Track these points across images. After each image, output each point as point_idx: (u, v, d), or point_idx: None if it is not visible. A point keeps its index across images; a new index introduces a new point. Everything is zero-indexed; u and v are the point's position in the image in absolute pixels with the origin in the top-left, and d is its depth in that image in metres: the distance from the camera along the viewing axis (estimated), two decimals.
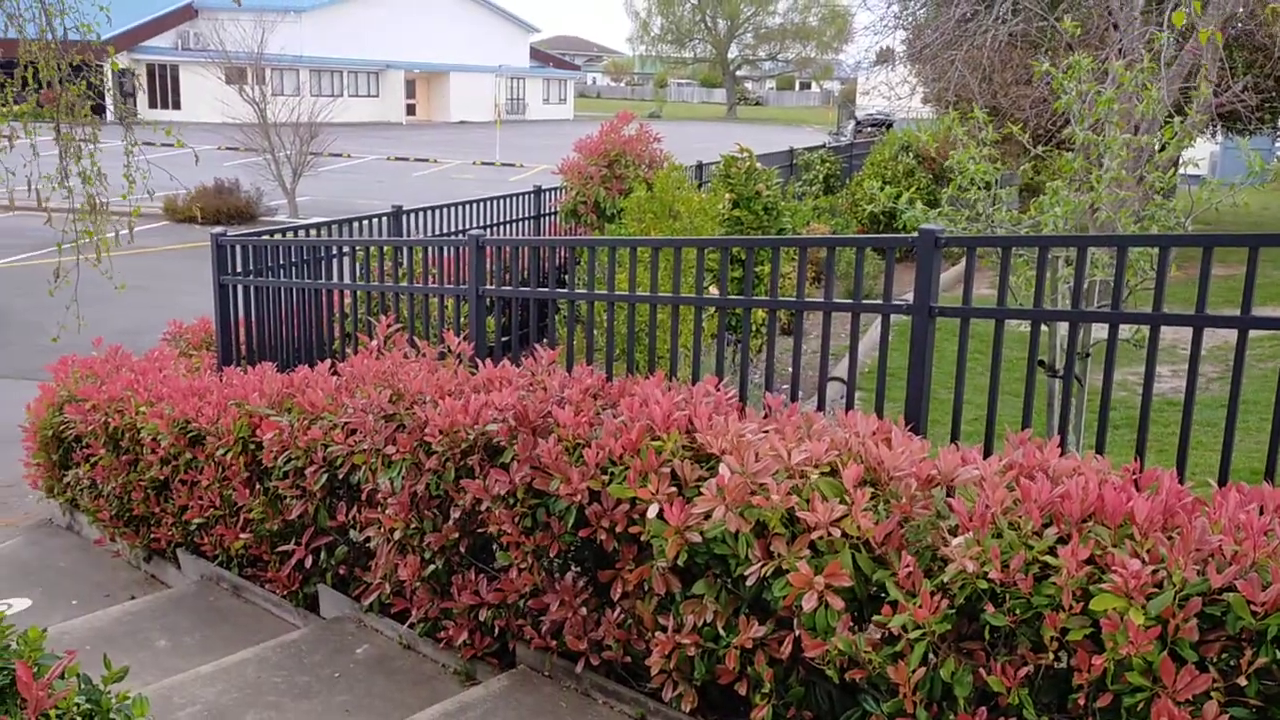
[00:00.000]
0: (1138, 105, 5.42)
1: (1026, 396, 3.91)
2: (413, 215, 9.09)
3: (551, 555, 4.03)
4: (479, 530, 4.33)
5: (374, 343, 5.29)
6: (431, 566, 4.44)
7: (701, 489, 3.56)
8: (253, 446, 5.36)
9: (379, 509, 4.67)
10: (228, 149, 35.30)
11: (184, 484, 5.69)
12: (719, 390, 4.20)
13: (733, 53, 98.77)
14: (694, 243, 5.03)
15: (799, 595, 3.22)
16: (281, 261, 6.96)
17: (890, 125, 45.54)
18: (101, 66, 6.65)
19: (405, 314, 6.20)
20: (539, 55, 74.91)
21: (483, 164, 38.32)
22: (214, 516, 5.54)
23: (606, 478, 3.84)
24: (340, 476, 4.89)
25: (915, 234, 3.99)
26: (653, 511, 3.60)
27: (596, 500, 3.85)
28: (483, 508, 4.15)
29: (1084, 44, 9.65)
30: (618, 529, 3.79)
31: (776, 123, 77.24)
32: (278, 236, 7.27)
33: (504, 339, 6.60)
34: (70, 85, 5.74)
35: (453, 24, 61.93)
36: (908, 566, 3.09)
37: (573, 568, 4.17)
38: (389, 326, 5.33)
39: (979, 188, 5.58)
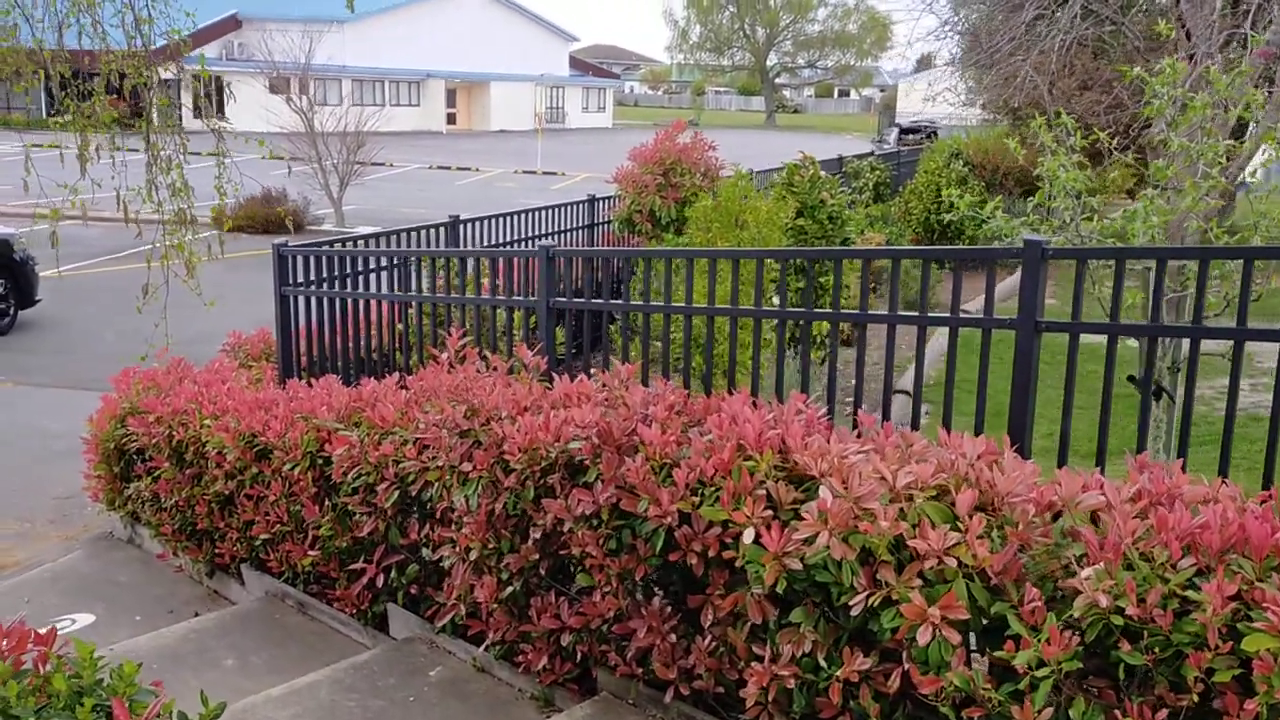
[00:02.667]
0: (1231, 110, 5.22)
1: (1143, 416, 3.72)
2: (470, 225, 9.00)
3: (637, 579, 3.88)
4: (559, 552, 4.20)
5: (444, 356, 5.17)
6: (510, 588, 4.31)
7: (802, 512, 3.41)
8: (320, 461, 5.26)
9: (454, 527, 4.55)
10: (275, 158, 35.75)
11: (249, 499, 5.60)
12: (809, 408, 4.04)
13: (771, 60, 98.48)
14: (776, 253, 4.88)
15: (912, 627, 3.05)
16: (345, 272, 6.86)
17: (935, 133, 45.34)
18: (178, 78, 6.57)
19: (470, 326, 6.10)
20: (578, 64, 75.04)
21: (524, 172, 38.37)
22: (281, 532, 5.44)
23: (697, 499, 3.69)
24: (412, 493, 4.77)
25: (1019, 245, 3.81)
26: (748, 536, 3.45)
27: (687, 523, 3.70)
28: (565, 528, 4.01)
29: (1154, 50, 9.41)
30: (710, 553, 3.63)
31: (816, 130, 76.80)
32: (340, 246, 7.18)
33: (572, 350, 6.48)
34: (159, 96, 5.67)
35: (493, 33, 62.12)
36: (1033, 599, 2.91)
37: (657, 592, 4.01)
38: (459, 339, 5.20)
39: (1069, 196, 5.38)
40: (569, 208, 10.85)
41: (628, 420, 4.03)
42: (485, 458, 4.34)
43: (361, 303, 6.59)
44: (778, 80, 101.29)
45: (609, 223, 11.19)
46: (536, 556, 4.20)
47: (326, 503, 5.19)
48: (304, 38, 25.36)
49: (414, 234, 8.17)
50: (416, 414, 4.92)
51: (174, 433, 5.96)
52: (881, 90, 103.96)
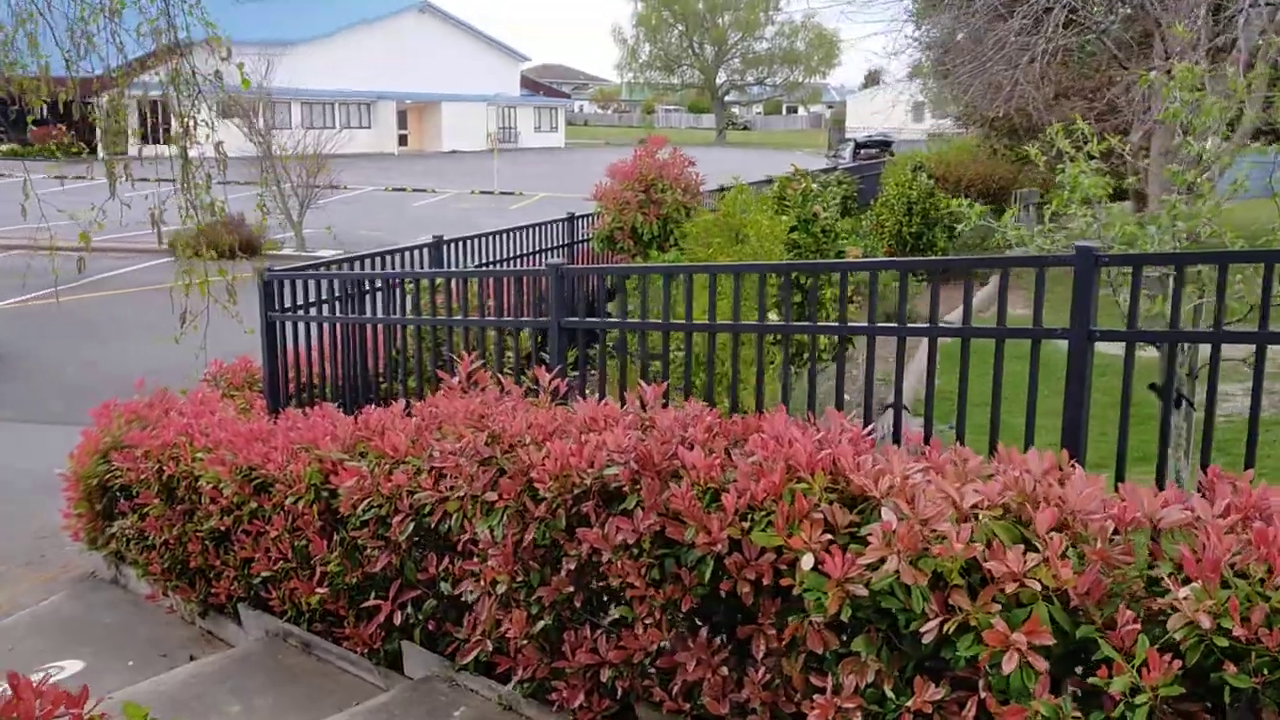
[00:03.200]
0: (1249, 113, 5.17)
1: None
2: (452, 245, 8.81)
3: (684, 609, 3.70)
4: (595, 583, 4.01)
5: (455, 379, 4.98)
6: (541, 622, 4.11)
7: (865, 536, 3.26)
8: (326, 494, 5.04)
9: (477, 560, 4.35)
10: (221, 183, 35.20)
11: (248, 535, 5.36)
12: (851, 425, 3.90)
13: (720, 78, 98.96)
14: (835, 266, 4.74)
15: (994, 655, 2.90)
16: (336, 295, 6.65)
17: (889, 146, 45.66)
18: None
19: (471, 348, 5.90)
20: (529, 84, 74.92)
21: (481, 193, 38.10)
22: (284, 569, 5.20)
23: (746, 525, 3.54)
24: (429, 525, 4.57)
25: (1071, 252, 3.70)
26: (807, 563, 3.29)
27: (737, 549, 3.53)
28: (603, 559, 3.83)
29: (1132, 57, 9.42)
30: (764, 580, 3.47)
31: (767, 147, 77.15)
32: (327, 270, 6.96)
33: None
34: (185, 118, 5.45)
35: (443, 54, 61.80)
36: (1126, 622, 2.78)
37: (699, 622, 3.84)
38: (471, 362, 5.00)
39: (1087, 204, 5.30)
40: (548, 226, 10.68)
41: (667, 444, 3.86)
42: (512, 486, 4.16)
43: (355, 327, 6.37)
44: (727, 98, 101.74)
45: (588, 240, 11.04)
46: (570, 589, 4.01)
47: (335, 537, 4.96)
48: (260, 61, 24.94)
49: (399, 255, 7.98)
50: (430, 442, 4.73)
51: (164, 468, 5.70)
52: (830, 106, 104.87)
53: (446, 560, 4.58)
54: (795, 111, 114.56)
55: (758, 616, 3.63)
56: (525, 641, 4.18)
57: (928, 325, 4.24)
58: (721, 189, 11.14)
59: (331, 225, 23.67)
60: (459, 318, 5.77)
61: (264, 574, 5.27)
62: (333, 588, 4.99)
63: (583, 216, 11.33)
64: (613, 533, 3.81)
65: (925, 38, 16.60)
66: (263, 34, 44.29)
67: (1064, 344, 3.85)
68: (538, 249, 10.37)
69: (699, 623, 3.81)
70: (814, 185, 8.91)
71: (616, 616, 3.93)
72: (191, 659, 5.63)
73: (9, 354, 13.24)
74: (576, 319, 5.27)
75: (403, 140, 62.65)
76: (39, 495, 8.23)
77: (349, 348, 6.42)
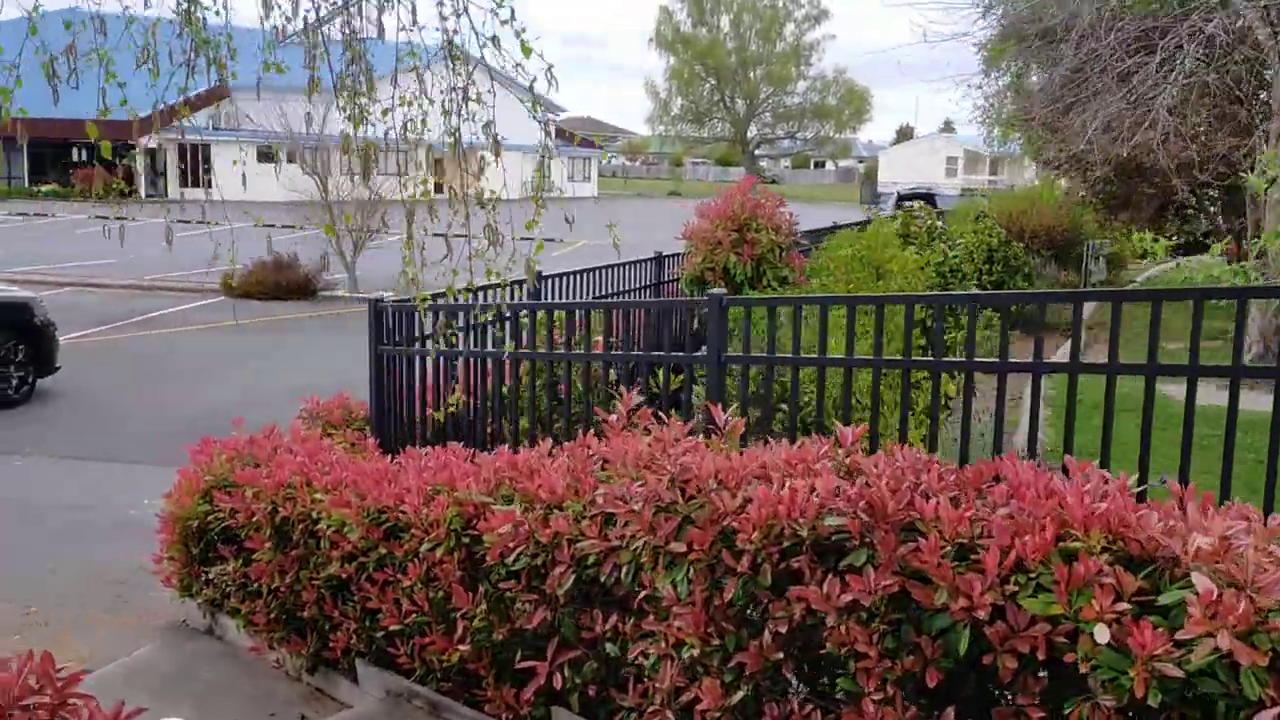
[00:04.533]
0: None
1: None
2: (549, 281, 8.44)
3: (929, 684, 3.22)
4: (808, 650, 3.55)
5: (614, 418, 4.55)
6: (739, 693, 3.64)
7: (1161, 605, 2.80)
8: (467, 540, 4.60)
9: (655, 619, 3.89)
10: (265, 225, 35.17)
11: (374, 584, 4.91)
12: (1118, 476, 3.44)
13: (751, 132, 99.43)
14: (1009, 298, 4.31)
15: None
16: (453, 328, 6.26)
17: (933, 198, 45.30)
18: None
19: (597, 384, 5.50)
20: (562, 134, 75.26)
21: (524, 239, 37.86)
22: (417, 623, 4.75)
23: (1010, 589, 3.08)
24: (591, 578, 4.12)
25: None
26: (1101, 635, 2.83)
27: (1000, 617, 3.07)
28: (824, 623, 3.36)
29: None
30: (1038, 654, 3.00)
31: (799, 199, 76.67)
32: (445, 301, 6.57)
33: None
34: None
35: (481, 103, 62.08)
36: None
37: (939, 700, 3.37)
38: (630, 401, 4.57)
39: None
40: (637, 265, 10.31)
41: (899, 492, 3.41)
42: (703, 537, 3.71)
43: (478, 361, 5.97)
44: (756, 151, 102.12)
45: (676, 280, 10.65)
46: (779, 655, 3.54)
47: (480, 589, 4.51)
48: (313, 105, 24.84)
49: (498, 291, 7.60)
50: (590, 485, 4.29)
51: (280, 509, 5.28)
52: (861, 161, 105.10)
53: (615, 618, 4.12)
54: (823, 166, 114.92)
55: (1015, 696, 3.16)
56: (719, 715, 3.70)
57: (1106, 363, 3.80)
58: (831, 228, 10.76)
59: (379, 268, 23.48)
60: (614, 352, 5.35)
61: (393, 627, 4.81)
62: (475, 645, 4.53)
63: (670, 256, 10.96)
64: (836, 593, 3.35)
65: (1009, 75, 16.24)
66: (289, 79, 44.50)
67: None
68: (627, 288, 10.01)
69: (940, 701, 3.33)
70: (938, 223, 8.51)
71: (838, 690, 3.46)
72: (302, 718, 5.17)
73: (66, 390, 12.91)
74: (741, 354, 4.84)
75: (437, 188, 62.80)
76: (114, 537, 7.86)
77: (471, 382, 6.01)
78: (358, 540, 4.91)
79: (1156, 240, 6.03)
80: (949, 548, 3.21)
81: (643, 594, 3.93)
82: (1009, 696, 3.21)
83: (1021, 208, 20.51)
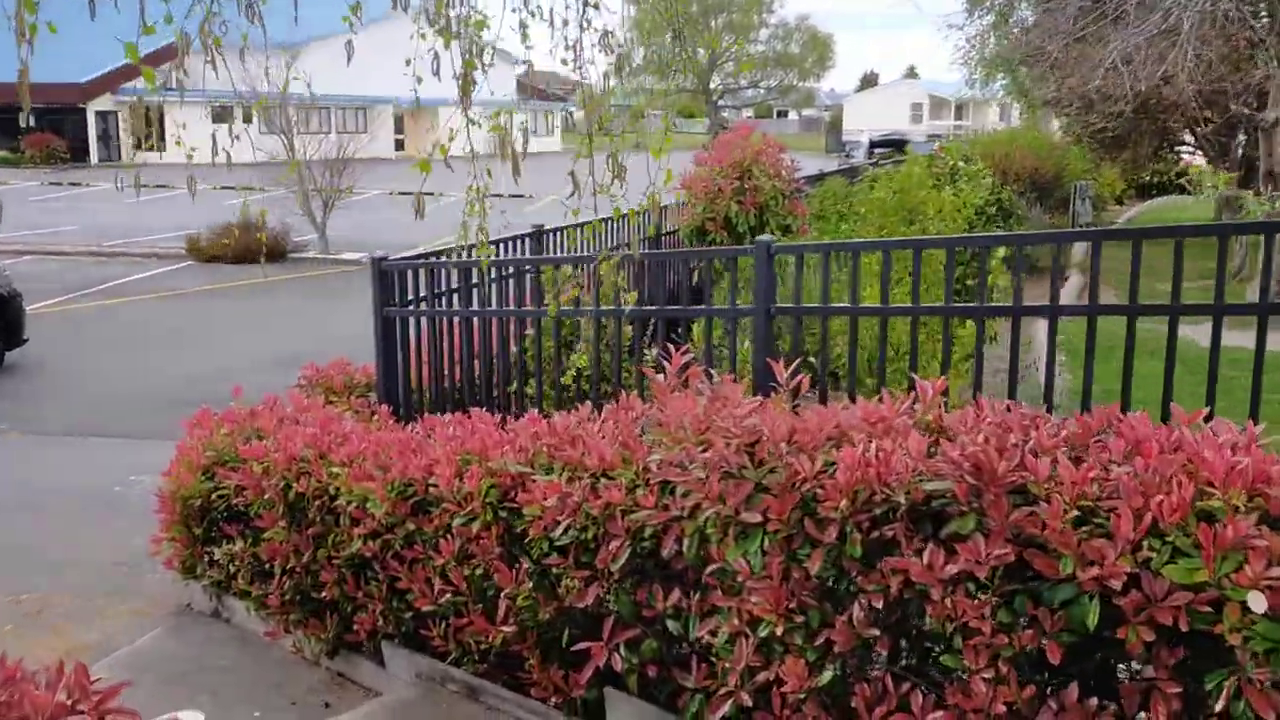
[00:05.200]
0: None
1: None
2: (551, 236, 8.09)
3: (1054, 660, 2.94)
4: (904, 625, 3.27)
5: (663, 377, 4.22)
6: (826, 673, 3.35)
7: None
8: (504, 514, 4.28)
9: (727, 594, 3.59)
10: (224, 188, 34.31)
11: (402, 562, 4.59)
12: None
13: (714, 82, 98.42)
14: (1058, 237, 4.00)
15: None
16: (458, 287, 5.90)
17: (904, 145, 45.08)
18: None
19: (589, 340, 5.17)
20: (524, 88, 74.16)
21: (492, 195, 37.23)
22: (452, 603, 4.42)
23: (1145, 554, 2.80)
24: (647, 551, 3.82)
25: None
26: (1257, 604, 2.57)
27: (1135, 586, 2.79)
28: (933, 596, 3.07)
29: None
30: (1180, 625, 2.72)
31: None
32: (457, 258, 6.20)
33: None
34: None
35: (439, 57, 60.86)
36: None
37: (1058, 677, 3.09)
38: (683, 356, 4.24)
39: None
40: (631, 217, 9.94)
41: (1009, 451, 3.12)
42: (781, 505, 3.40)
43: (496, 322, 5.62)
44: (720, 102, 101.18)
45: (675, 231, 10.30)
46: (873, 632, 3.25)
47: (523, 566, 4.19)
48: (272, 62, 24.11)
49: (501, 245, 7.27)
50: (642, 451, 3.98)
51: (294, 484, 4.92)
52: (824, 109, 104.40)
53: (677, 593, 3.82)
54: (785, 115, 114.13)
55: (1143, 669, 2.90)
56: (803, 696, 3.42)
57: (1168, 305, 3.52)
58: (820, 175, 10.42)
59: (348, 229, 22.92)
60: (655, 308, 5.02)
61: (425, 609, 4.49)
62: (519, 625, 4.21)
63: (666, 207, 10.61)
64: (939, 563, 3.06)
65: (1003, 22, 15.86)
66: (254, 35, 43.25)
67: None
68: (626, 242, 9.66)
69: (1060, 678, 3.06)
70: (960, 163, 8.21)
71: (940, 667, 3.18)
72: (327, 706, 4.86)
73: (36, 363, 12.39)
74: (792, 305, 4.52)
75: (399, 145, 61.77)
76: (102, 516, 7.49)
77: (490, 343, 5.66)
78: (382, 516, 4.58)
79: (1216, 174, 5.74)
80: (1071, 511, 2.92)
81: (711, 568, 3.63)
82: (1137, 670, 2.95)
83: (1004, 150, 20.24)
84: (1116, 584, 2.77)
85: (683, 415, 3.90)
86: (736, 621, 3.54)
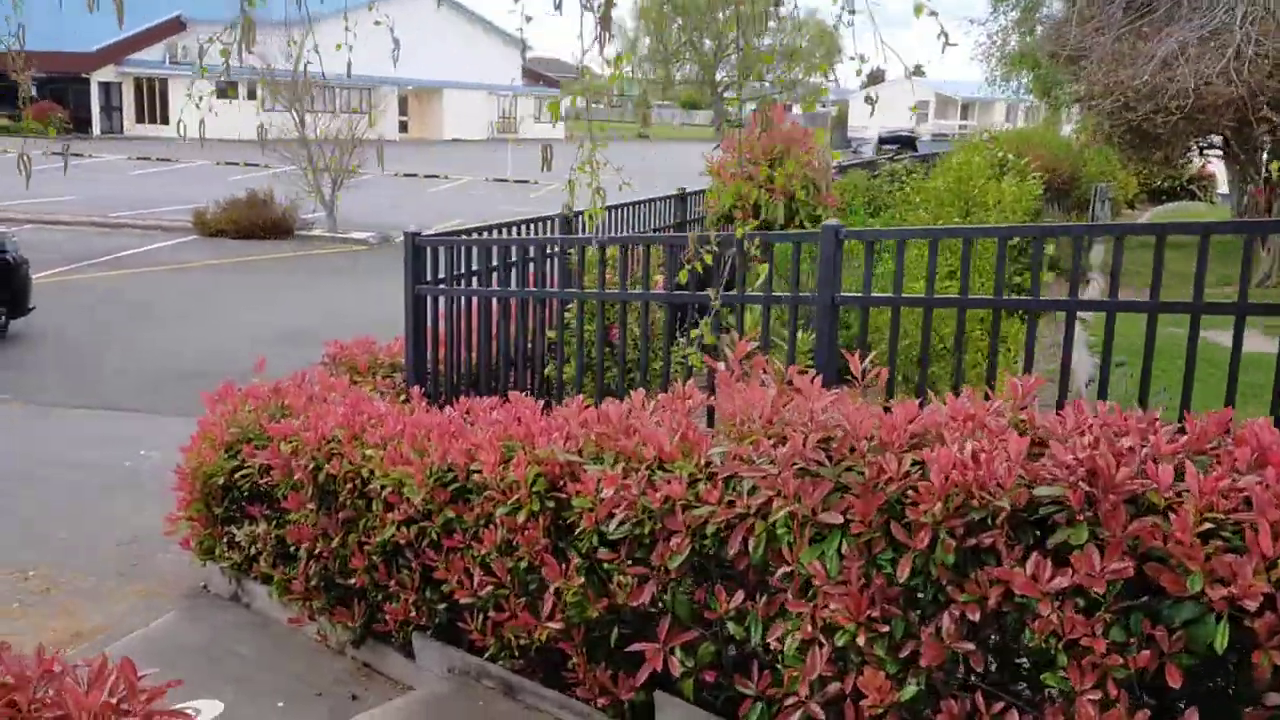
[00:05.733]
0: None
1: None
2: (582, 218, 7.83)
3: (1174, 685, 2.72)
4: (1000, 640, 3.05)
5: (724, 367, 3.99)
6: (910, 687, 3.13)
7: None
8: (551, 505, 4.05)
9: (799, 599, 3.37)
10: (227, 163, 33.93)
11: (439, 551, 4.36)
12: None
13: (719, 74, 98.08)
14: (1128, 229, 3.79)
15: None
16: (492, 265, 5.67)
17: (913, 142, 44.81)
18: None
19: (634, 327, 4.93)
20: (529, 74, 73.76)
21: (495, 180, 37.03)
22: (494, 596, 4.20)
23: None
24: (716, 551, 3.60)
25: None
26: None
27: (1270, 608, 2.57)
28: (1040, 611, 2.85)
29: None
30: None
31: None
32: (483, 236, 5.97)
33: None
34: None
35: (445, 40, 60.46)
36: None
37: (1165, 701, 2.88)
38: (746, 345, 4.01)
39: None
40: (659, 203, 9.72)
41: (1125, 456, 2.89)
42: (866, 507, 3.18)
43: (535, 304, 5.39)
44: (725, 94, 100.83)
45: (701, 219, 10.06)
46: (968, 646, 3.03)
47: (573, 560, 3.96)
48: (285, 40, 23.78)
49: (529, 226, 7.03)
50: (704, 444, 3.76)
51: (326, 466, 4.69)
52: (825, 105, 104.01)
53: (740, 595, 3.59)
54: (790, 110, 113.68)
55: (1264, 697, 2.68)
56: (882, 712, 3.19)
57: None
58: (841, 168, 10.19)
59: (355, 208, 22.61)
60: (732, 293, 4.78)
61: (463, 600, 4.26)
62: (565, 622, 3.99)
63: (694, 193, 10.37)
64: (1045, 575, 2.84)
65: (1029, 18, 15.61)
66: (262, 13, 42.76)
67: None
68: (651, 228, 9.44)
69: (1171, 703, 2.84)
70: (1010, 156, 7.99)
71: (1033, 687, 2.96)
72: (354, 699, 4.63)
73: (42, 333, 12.12)
74: (859, 294, 4.29)
75: (403, 127, 61.39)
76: (112, 492, 7.25)
77: (527, 325, 5.43)
78: (420, 503, 4.34)
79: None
80: (1202, 524, 2.70)
81: (782, 570, 3.40)
82: (1261, 698, 2.73)
83: (1019, 149, 20.01)
84: (1251, 604, 2.56)
85: (751, 407, 3.67)
86: (809, 628, 3.33)
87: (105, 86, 52.41)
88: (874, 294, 4.29)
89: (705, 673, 3.74)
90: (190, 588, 5.75)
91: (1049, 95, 19.87)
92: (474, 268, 5.69)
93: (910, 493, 3.11)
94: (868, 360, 3.76)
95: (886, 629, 3.15)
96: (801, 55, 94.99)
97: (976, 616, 2.98)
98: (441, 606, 4.50)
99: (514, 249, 5.72)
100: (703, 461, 3.72)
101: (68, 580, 5.88)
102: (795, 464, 3.38)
